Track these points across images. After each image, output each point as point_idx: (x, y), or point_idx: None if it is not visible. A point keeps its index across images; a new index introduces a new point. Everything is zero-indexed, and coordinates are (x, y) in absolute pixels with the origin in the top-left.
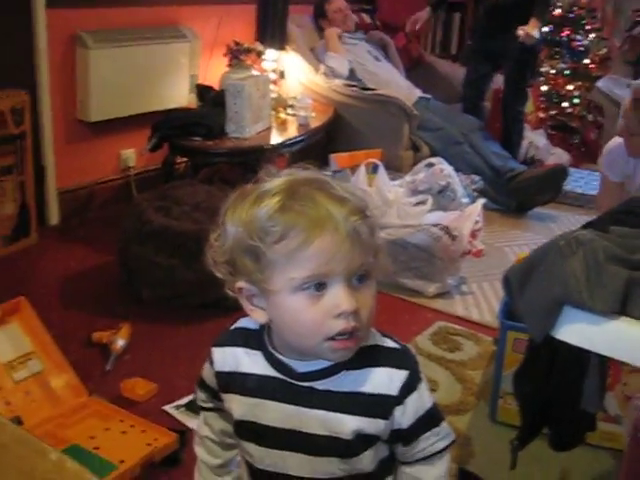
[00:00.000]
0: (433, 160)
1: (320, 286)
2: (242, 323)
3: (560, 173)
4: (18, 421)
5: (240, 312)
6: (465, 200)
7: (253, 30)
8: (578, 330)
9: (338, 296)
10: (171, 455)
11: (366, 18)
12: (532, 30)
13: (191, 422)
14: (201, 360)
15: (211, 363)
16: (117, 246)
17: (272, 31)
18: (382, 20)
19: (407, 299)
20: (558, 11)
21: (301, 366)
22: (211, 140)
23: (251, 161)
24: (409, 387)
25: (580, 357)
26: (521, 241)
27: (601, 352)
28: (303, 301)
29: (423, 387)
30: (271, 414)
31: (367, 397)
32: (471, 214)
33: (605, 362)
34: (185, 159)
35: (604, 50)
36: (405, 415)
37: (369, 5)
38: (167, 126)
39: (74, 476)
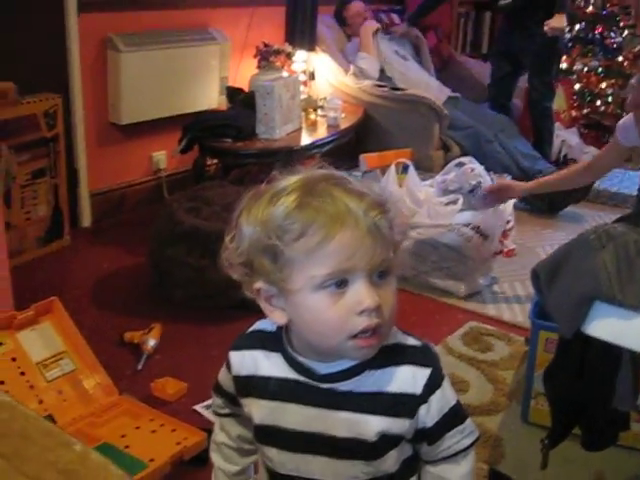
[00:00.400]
0: (464, 159)
1: (341, 283)
2: (259, 325)
3: None
4: (50, 420)
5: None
6: None
7: (282, 31)
8: (608, 325)
9: (360, 293)
10: (201, 454)
11: (395, 18)
12: (556, 23)
13: None
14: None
15: (228, 367)
16: (149, 247)
17: (301, 32)
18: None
19: (438, 299)
20: (591, 8)
21: (322, 367)
22: (241, 141)
23: (281, 162)
24: (433, 385)
25: (612, 354)
26: (553, 241)
27: (632, 348)
28: (324, 299)
29: (446, 384)
30: (293, 417)
31: (391, 397)
32: (502, 214)
33: (638, 359)
34: (215, 161)
35: (638, 47)
36: (430, 413)
37: (398, 5)
38: (197, 128)
39: (97, 467)
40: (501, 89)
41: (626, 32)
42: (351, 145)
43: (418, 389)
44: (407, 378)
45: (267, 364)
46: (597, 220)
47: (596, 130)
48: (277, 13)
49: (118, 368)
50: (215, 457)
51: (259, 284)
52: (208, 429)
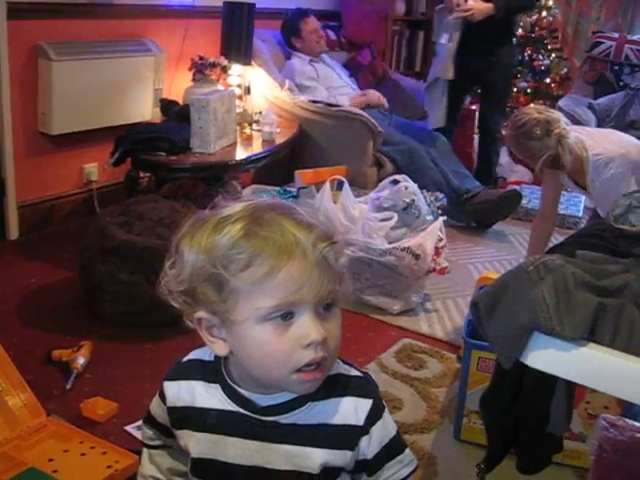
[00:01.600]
0: (398, 177)
1: (287, 315)
2: (196, 355)
3: (514, 198)
4: None
5: None
6: (429, 217)
7: (218, 44)
8: (547, 356)
9: (306, 325)
10: (133, 477)
11: (331, 35)
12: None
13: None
14: (163, 378)
15: (162, 398)
16: (79, 262)
17: (237, 46)
18: (347, 37)
19: (372, 316)
20: (520, 31)
21: (264, 400)
22: (175, 155)
23: (215, 176)
24: (374, 416)
25: (547, 381)
26: (483, 258)
27: (569, 378)
28: (269, 332)
29: (387, 415)
30: (233, 451)
31: (334, 428)
32: (433, 232)
33: (572, 386)
34: (148, 174)
35: (564, 70)
36: (371, 445)
37: (334, 22)
38: (130, 140)
39: None
40: (449, 112)
41: (553, 55)
42: (286, 160)
43: (360, 420)
44: (349, 410)
45: (205, 395)
46: (525, 237)
47: None
48: (213, 26)
49: (46, 388)
50: None
51: (201, 313)
52: (140, 451)
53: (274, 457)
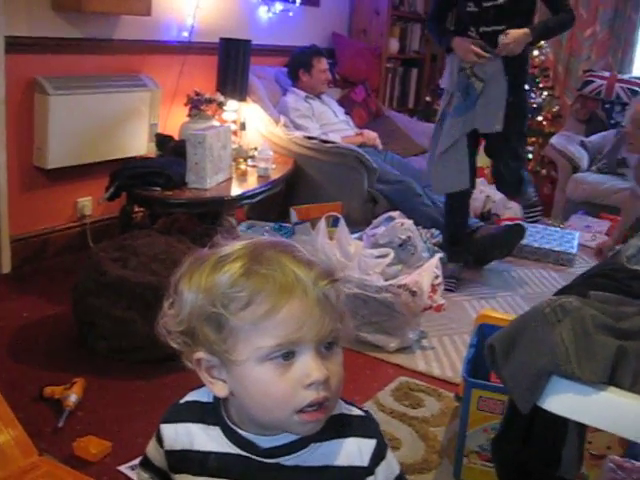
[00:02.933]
0: (393, 214)
1: (288, 355)
2: (194, 396)
3: (518, 232)
4: None
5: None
6: (425, 254)
7: (214, 80)
8: (566, 400)
9: (308, 365)
10: None
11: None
12: (517, 35)
13: None
14: (157, 416)
15: (159, 442)
16: (72, 297)
17: (233, 82)
18: (341, 74)
19: (368, 354)
20: None
21: (265, 441)
22: (170, 190)
23: (211, 212)
24: (379, 456)
25: (559, 424)
26: (480, 295)
27: (590, 424)
28: (271, 372)
29: (390, 454)
30: None
31: (338, 470)
32: (429, 268)
33: (584, 429)
34: (143, 209)
35: (556, 108)
36: None
37: (329, 59)
38: (126, 175)
39: None
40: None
41: (545, 93)
42: (281, 196)
43: (365, 461)
44: (353, 451)
45: (204, 438)
46: (521, 274)
47: None
48: (209, 62)
49: (37, 425)
50: None
51: (200, 354)
52: None
53: None
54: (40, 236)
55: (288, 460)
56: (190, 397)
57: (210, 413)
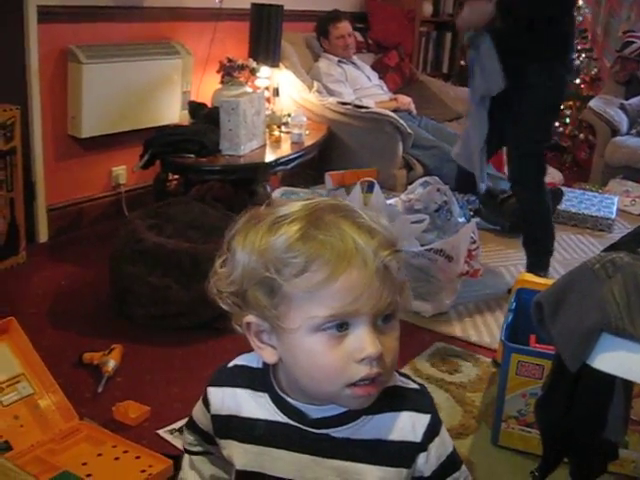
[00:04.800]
0: (429, 179)
1: (342, 326)
2: (243, 360)
3: (556, 195)
4: (7, 446)
5: (233, 334)
6: (461, 220)
7: (246, 47)
8: (617, 358)
9: (363, 339)
10: None
11: (359, 36)
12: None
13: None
14: (194, 382)
15: (206, 404)
16: (109, 265)
17: (265, 48)
18: (374, 39)
19: (404, 320)
20: None
21: (315, 411)
22: (204, 157)
23: (245, 179)
24: (432, 432)
25: (605, 385)
26: (516, 261)
27: None
28: (323, 343)
29: (444, 430)
30: (280, 464)
31: (390, 445)
32: (466, 234)
33: (631, 390)
34: (176, 177)
35: (595, 70)
36: (428, 462)
37: (361, 24)
38: (159, 143)
39: None
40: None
41: (583, 55)
42: (315, 163)
43: (418, 437)
44: (407, 425)
45: (252, 405)
46: (558, 240)
47: (554, 150)
48: (241, 28)
49: (78, 391)
50: None
51: (250, 318)
52: (174, 455)
53: (324, 472)
54: (76, 205)
55: (338, 432)
56: (239, 361)
57: (259, 379)
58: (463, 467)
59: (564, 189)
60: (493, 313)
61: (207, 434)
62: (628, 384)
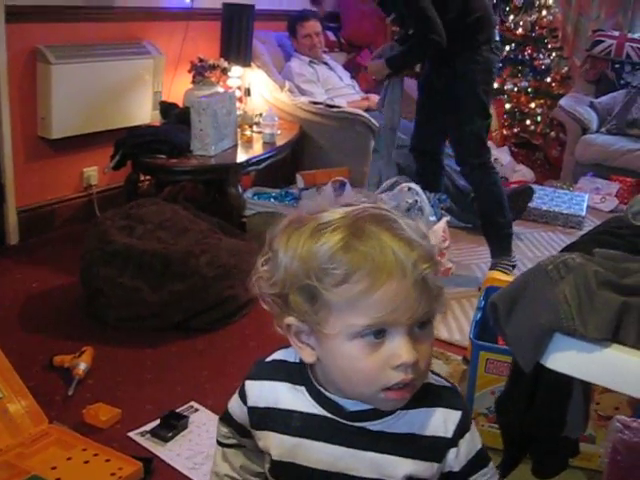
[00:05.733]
0: (400, 178)
1: (380, 333)
2: (280, 355)
3: (527, 193)
4: None
5: (203, 334)
6: (432, 218)
7: (217, 46)
8: (569, 358)
9: (399, 347)
10: None
11: (331, 36)
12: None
13: (157, 449)
14: (165, 383)
15: (242, 397)
16: (80, 266)
17: (237, 47)
18: (347, 38)
19: None
20: (520, 30)
21: (351, 404)
22: (175, 158)
23: (216, 179)
24: (463, 428)
25: (564, 383)
26: (488, 258)
27: (593, 381)
28: (360, 349)
29: (474, 428)
30: (316, 456)
31: (422, 440)
32: (437, 232)
33: (589, 388)
34: (148, 177)
35: (565, 69)
36: (458, 458)
37: (334, 23)
38: (130, 143)
39: None
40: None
41: (554, 54)
42: (287, 162)
43: (449, 433)
44: (439, 421)
45: (290, 397)
46: (529, 237)
47: (526, 149)
48: (212, 28)
49: (48, 394)
50: None
51: (290, 320)
52: (144, 458)
53: (358, 464)
54: (47, 207)
55: (374, 425)
56: (277, 356)
57: (297, 373)
58: (491, 464)
59: (535, 187)
60: (464, 311)
61: (242, 427)
62: (586, 382)
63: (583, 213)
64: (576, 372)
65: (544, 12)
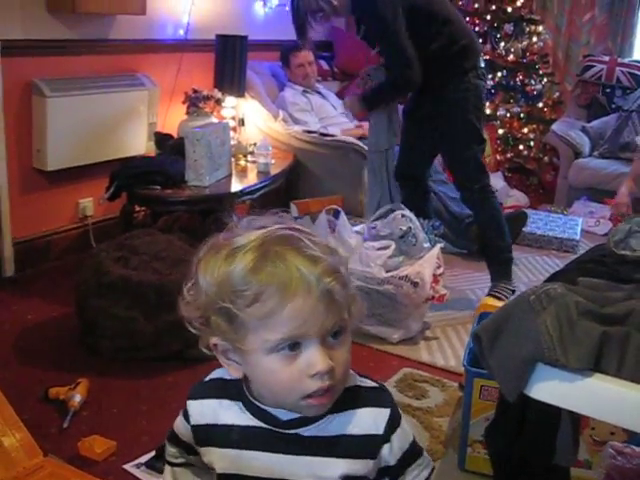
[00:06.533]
0: (394, 206)
1: (295, 346)
2: (218, 374)
3: (521, 218)
4: None
5: (201, 364)
6: (426, 245)
7: (211, 77)
8: (551, 388)
9: (313, 357)
10: None
11: (324, 65)
12: (350, 103)
13: None
14: (162, 415)
15: (186, 417)
16: (75, 297)
17: (231, 78)
18: (340, 67)
19: (371, 346)
20: (512, 57)
21: (284, 414)
22: (170, 189)
23: (211, 209)
24: (393, 424)
25: (552, 411)
26: (483, 284)
27: (576, 410)
28: (278, 362)
29: (404, 422)
30: (257, 465)
31: (354, 439)
32: (431, 259)
33: (577, 416)
34: (144, 208)
35: (557, 94)
36: (392, 452)
37: (327, 52)
38: (125, 175)
39: None
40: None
41: (545, 80)
42: (282, 191)
43: (380, 430)
44: (369, 420)
45: (228, 412)
46: (524, 262)
47: (520, 174)
48: (206, 59)
49: (42, 427)
50: None
51: (215, 340)
52: None
53: (297, 469)
54: (43, 238)
55: (307, 431)
56: (214, 375)
57: (233, 389)
58: (425, 453)
59: (529, 212)
60: (460, 338)
61: (188, 445)
62: (575, 412)
63: (577, 237)
64: (559, 401)
65: (534, 39)
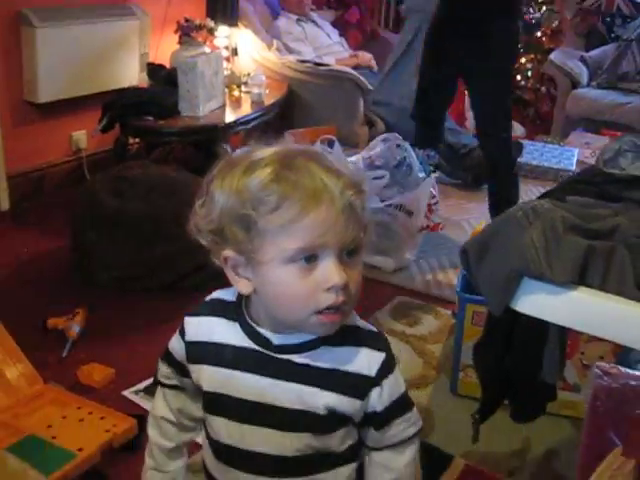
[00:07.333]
0: (389, 135)
1: (311, 258)
2: (218, 294)
3: (516, 148)
4: None
5: (196, 293)
6: (421, 175)
7: (203, 6)
8: (537, 301)
9: (329, 269)
10: (131, 441)
11: None
12: None
13: (150, 406)
14: (158, 343)
15: (182, 334)
16: (70, 230)
17: (223, 7)
18: None
19: (366, 275)
20: None
21: (279, 339)
22: (163, 119)
23: (205, 140)
24: (386, 369)
25: (539, 328)
26: (478, 214)
27: (561, 323)
28: (293, 273)
29: (398, 371)
30: (244, 386)
31: (345, 375)
32: (425, 189)
33: (564, 333)
34: (138, 140)
35: (556, 23)
36: (381, 398)
37: None
38: (118, 106)
39: (15, 473)
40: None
41: (544, 8)
42: (276, 121)
43: (372, 371)
44: (362, 360)
45: (224, 331)
46: (520, 192)
47: (517, 104)
48: None
49: (42, 356)
50: (152, 432)
51: (227, 252)
52: (138, 415)
53: (283, 395)
54: (37, 172)
55: (299, 357)
56: (215, 295)
57: (231, 310)
58: (414, 410)
59: (525, 142)
60: (454, 266)
61: (181, 365)
62: (561, 328)
63: (573, 167)
64: (544, 315)
65: None
